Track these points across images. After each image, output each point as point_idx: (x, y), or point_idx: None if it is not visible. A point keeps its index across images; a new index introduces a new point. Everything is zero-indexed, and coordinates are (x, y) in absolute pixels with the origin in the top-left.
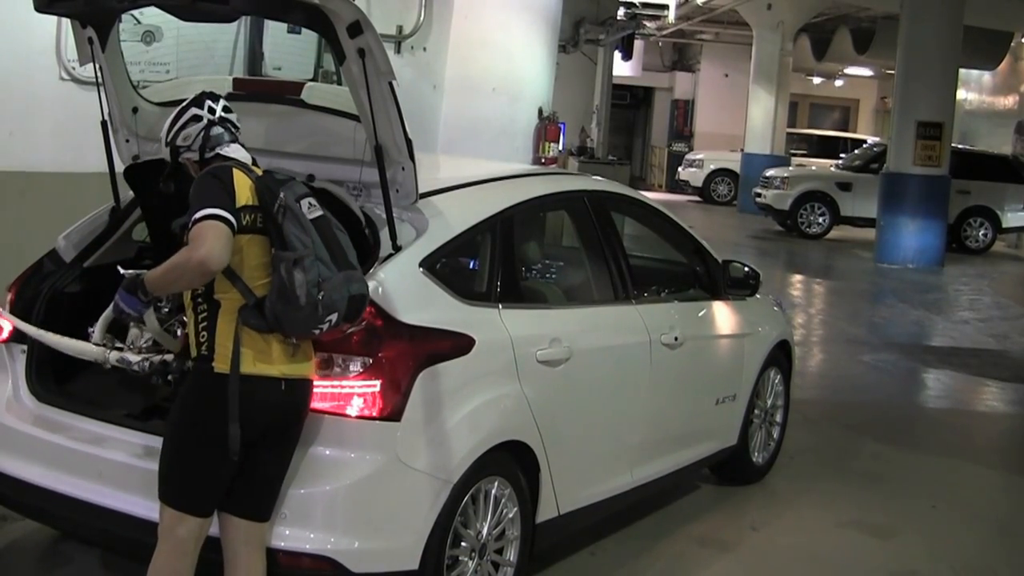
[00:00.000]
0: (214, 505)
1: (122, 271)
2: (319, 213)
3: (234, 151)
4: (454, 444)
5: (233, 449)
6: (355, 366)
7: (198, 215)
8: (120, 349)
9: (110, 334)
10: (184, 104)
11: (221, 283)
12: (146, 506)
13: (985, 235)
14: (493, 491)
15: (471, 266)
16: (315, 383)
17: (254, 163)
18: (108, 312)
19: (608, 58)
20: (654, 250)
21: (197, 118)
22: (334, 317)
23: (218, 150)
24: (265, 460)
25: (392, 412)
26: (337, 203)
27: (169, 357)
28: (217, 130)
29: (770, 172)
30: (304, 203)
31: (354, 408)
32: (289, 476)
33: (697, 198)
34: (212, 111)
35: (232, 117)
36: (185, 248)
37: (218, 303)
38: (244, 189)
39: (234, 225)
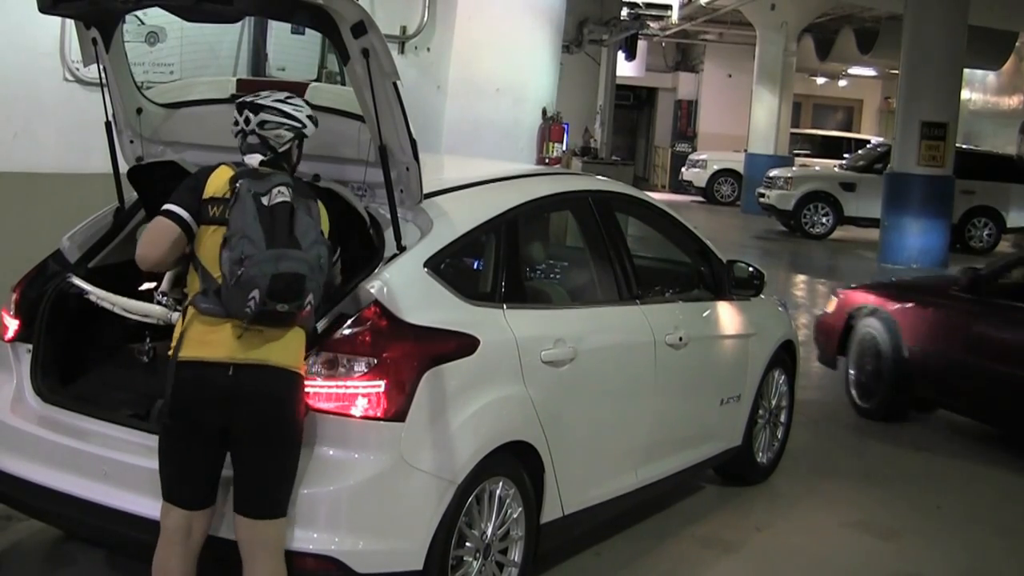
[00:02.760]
0: (190, 495)
1: None
2: (284, 199)
3: (251, 160)
4: (459, 445)
5: (158, 423)
6: (359, 366)
7: (164, 208)
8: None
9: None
10: (237, 104)
11: (191, 276)
12: (150, 506)
13: (989, 235)
14: (498, 492)
15: (475, 266)
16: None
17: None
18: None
19: (612, 58)
20: (658, 250)
21: (235, 123)
22: (256, 294)
23: (245, 157)
24: (248, 456)
25: (396, 413)
26: (343, 202)
27: None
28: (253, 139)
29: (774, 172)
30: (274, 191)
31: (358, 408)
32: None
33: (700, 198)
34: (248, 122)
35: (271, 133)
36: None
37: (186, 295)
38: (220, 182)
39: (184, 219)
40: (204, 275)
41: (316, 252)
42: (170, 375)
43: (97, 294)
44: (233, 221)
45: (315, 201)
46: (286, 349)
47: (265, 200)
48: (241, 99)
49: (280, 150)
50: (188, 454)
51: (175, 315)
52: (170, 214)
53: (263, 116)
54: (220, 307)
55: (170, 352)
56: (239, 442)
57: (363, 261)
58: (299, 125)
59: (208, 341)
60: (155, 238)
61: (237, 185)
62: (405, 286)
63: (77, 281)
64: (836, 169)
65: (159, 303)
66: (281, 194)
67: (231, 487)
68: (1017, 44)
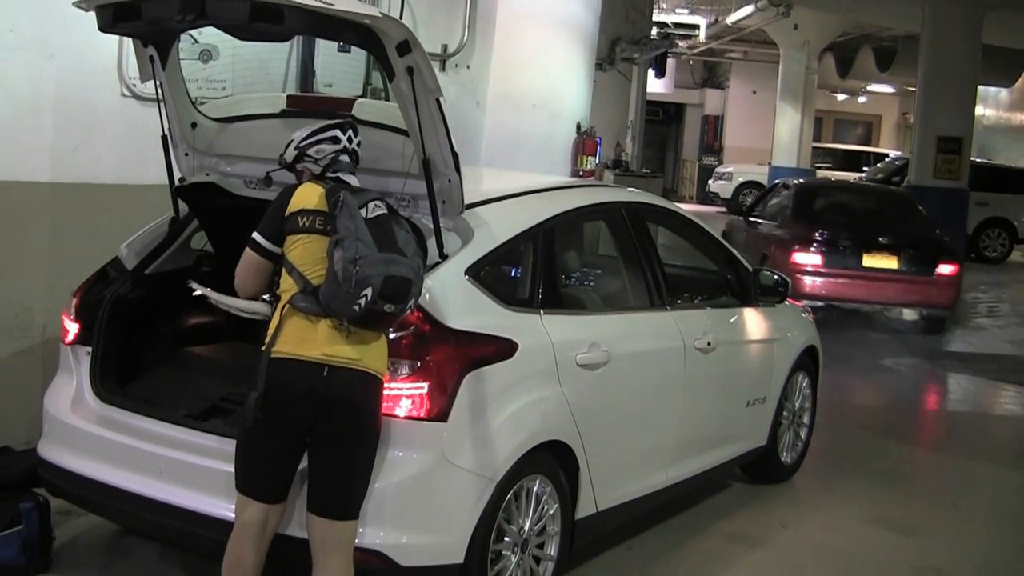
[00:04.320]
0: (270, 490)
1: None
2: (382, 212)
3: (354, 180)
4: (498, 444)
5: (247, 416)
6: (404, 369)
7: (251, 236)
8: None
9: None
10: (329, 123)
11: (284, 279)
12: (204, 502)
13: (1002, 245)
14: (535, 489)
15: (514, 274)
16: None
17: None
18: None
19: (642, 76)
20: (687, 259)
21: (336, 140)
22: (368, 292)
23: (340, 174)
24: (326, 455)
25: (439, 413)
26: None
27: None
28: (345, 158)
29: None
30: (370, 205)
31: (403, 409)
32: None
33: (726, 209)
34: (351, 140)
35: (359, 151)
36: None
37: (279, 297)
38: (310, 197)
39: (264, 247)
40: (300, 277)
41: (417, 261)
42: (263, 369)
43: (215, 297)
44: (343, 227)
45: (402, 216)
46: (376, 354)
47: (365, 212)
48: (343, 120)
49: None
50: (272, 449)
51: None
52: (253, 244)
53: (359, 137)
54: (318, 306)
55: (263, 347)
56: (321, 441)
57: None
58: None
59: (304, 339)
60: (244, 271)
61: (340, 196)
62: (447, 292)
63: (196, 286)
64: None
65: (264, 301)
66: (378, 207)
67: (303, 485)
68: None
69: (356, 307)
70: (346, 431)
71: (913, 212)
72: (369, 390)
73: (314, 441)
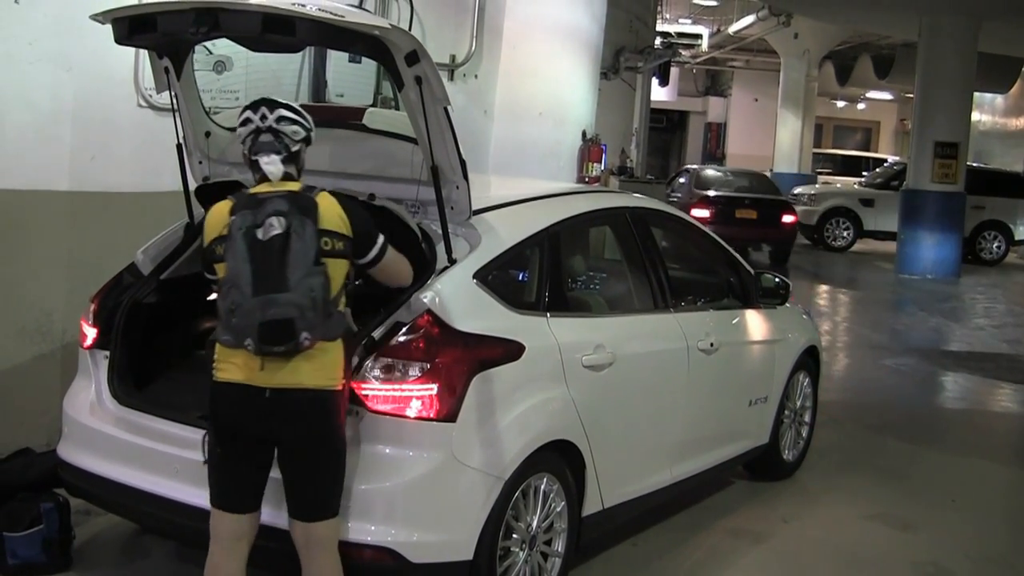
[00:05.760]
0: (240, 502)
1: None
2: (276, 232)
3: (268, 163)
4: (506, 443)
5: (210, 441)
6: (414, 371)
7: None
8: None
9: None
10: (245, 106)
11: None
12: None
13: (999, 247)
14: (542, 487)
15: (521, 278)
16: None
17: (289, 178)
18: None
19: (646, 84)
20: (690, 262)
21: (248, 121)
22: (249, 342)
23: (259, 156)
24: (296, 468)
25: (448, 414)
26: (398, 219)
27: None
28: (266, 138)
29: (798, 190)
30: (267, 223)
31: (413, 410)
32: (352, 473)
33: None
34: (264, 118)
35: (288, 129)
36: None
37: None
38: (216, 220)
39: (212, 280)
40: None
41: (307, 286)
42: (211, 396)
43: None
44: (227, 265)
45: (311, 219)
46: (318, 369)
47: (260, 233)
48: (258, 99)
49: (293, 149)
50: (236, 465)
51: None
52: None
53: (280, 112)
54: (233, 338)
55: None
56: (284, 455)
57: (416, 273)
58: (309, 126)
59: (240, 365)
60: None
61: (230, 221)
62: (456, 296)
63: None
64: (856, 186)
65: None
66: (273, 227)
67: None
68: (1023, 69)
69: (248, 350)
70: (305, 444)
71: (769, 185)
72: (317, 406)
73: (280, 452)
